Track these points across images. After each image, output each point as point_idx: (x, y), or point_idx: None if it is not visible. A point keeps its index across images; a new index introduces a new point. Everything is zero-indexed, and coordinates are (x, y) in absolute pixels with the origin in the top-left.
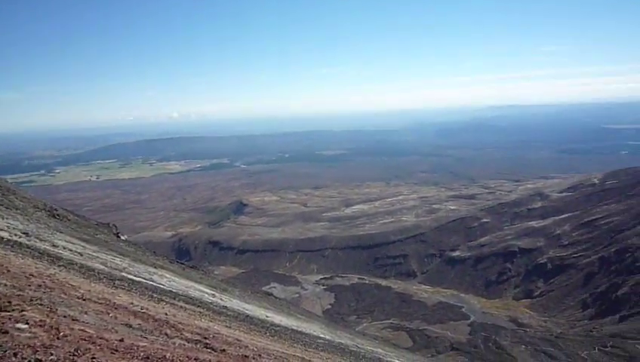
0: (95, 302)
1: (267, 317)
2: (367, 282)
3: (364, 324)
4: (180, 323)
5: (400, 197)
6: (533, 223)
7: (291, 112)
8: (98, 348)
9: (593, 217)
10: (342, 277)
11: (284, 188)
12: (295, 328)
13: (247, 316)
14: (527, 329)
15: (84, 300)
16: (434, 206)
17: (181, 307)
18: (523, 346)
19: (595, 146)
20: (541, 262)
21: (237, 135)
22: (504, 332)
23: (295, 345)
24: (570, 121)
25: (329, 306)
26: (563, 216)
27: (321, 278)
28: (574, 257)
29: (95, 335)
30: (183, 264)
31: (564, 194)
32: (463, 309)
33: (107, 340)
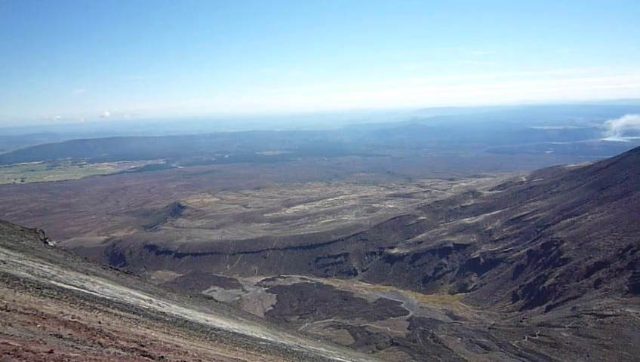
0: (21, 313)
1: (207, 321)
2: (309, 282)
3: (307, 324)
4: (114, 331)
5: (340, 197)
6: (467, 220)
7: (230, 112)
8: (24, 361)
9: (521, 213)
10: (284, 277)
11: (224, 189)
12: (236, 331)
13: (187, 321)
14: (463, 322)
15: (8, 311)
16: (374, 205)
17: (116, 315)
18: (459, 338)
19: (523, 146)
20: (474, 256)
21: (173, 135)
22: (441, 326)
23: (236, 348)
24: (499, 122)
25: (271, 307)
26: (494, 212)
27: (263, 280)
28: (505, 251)
29: (21, 348)
30: (117, 270)
31: (494, 191)
32: (402, 305)
33: (34, 352)
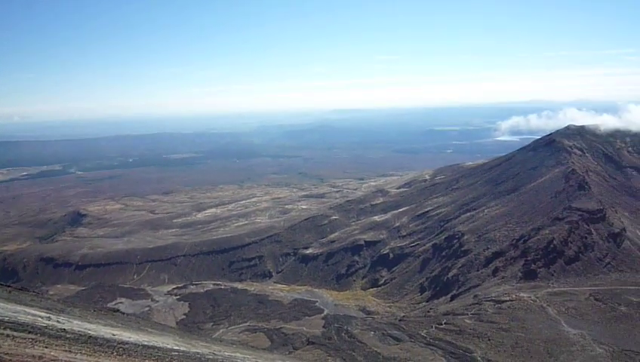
0: None
1: (114, 335)
2: (222, 287)
3: (222, 330)
4: (6, 353)
5: (253, 199)
6: (376, 217)
7: (134, 114)
8: None
9: (426, 209)
10: (196, 284)
11: (129, 195)
12: (146, 343)
13: (91, 337)
14: (375, 316)
15: None
16: (287, 206)
17: (8, 336)
18: (372, 332)
19: (426, 146)
20: (384, 252)
21: (70, 138)
22: (355, 322)
23: (146, 361)
24: (404, 123)
25: (183, 316)
26: (401, 209)
27: (174, 288)
28: (412, 246)
29: None
30: (8, 286)
31: (401, 190)
32: (317, 304)
33: None
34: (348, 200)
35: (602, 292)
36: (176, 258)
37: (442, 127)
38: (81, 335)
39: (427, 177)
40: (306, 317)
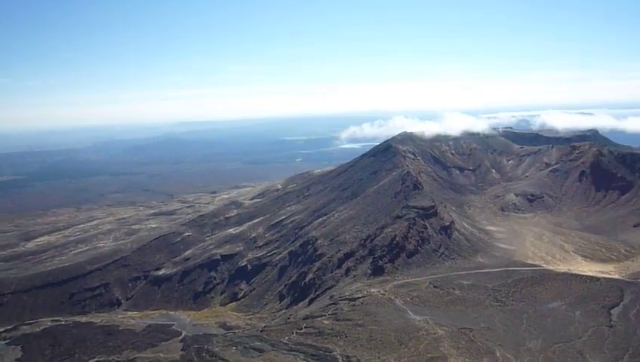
0: None
1: None
2: (63, 323)
3: None
4: None
5: (94, 222)
6: (232, 230)
7: None
8: None
9: (280, 218)
10: (30, 324)
11: None
12: None
13: None
14: (236, 331)
15: None
16: (133, 226)
17: None
18: (233, 347)
19: (276, 156)
20: (242, 265)
21: None
22: (215, 339)
23: None
24: (254, 135)
25: None
26: (256, 220)
27: (1, 331)
28: (269, 256)
29: None
30: None
31: (255, 200)
32: (174, 327)
33: None
34: (201, 215)
35: (439, 279)
36: (2, 296)
37: (291, 137)
38: None
39: (279, 186)
40: (163, 343)
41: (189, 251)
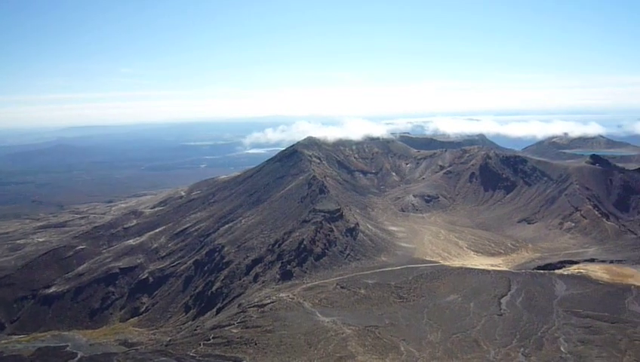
0: None
1: None
2: None
3: None
4: None
5: None
6: (131, 241)
7: None
8: None
9: (184, 226)
10: None
11: None
12: None
13: None
14: (139, 347)
15: None
16: (18, 241)
17: None
18: None
19: (178, 162)
20: (143, 277)
21: None
22: (115, 358)
23: None
24: (152, 140)
25: None
26: (158, 229)
27: None
28: (173, 266)
29: None
30: None
31: (156, 209)
32: (68, 348)
33: None
34: (96, 227)
35: (346, 280)
36: None
37: (194, 142)
38: None
39: (183, 193)
40: None
41: (84, 266)
